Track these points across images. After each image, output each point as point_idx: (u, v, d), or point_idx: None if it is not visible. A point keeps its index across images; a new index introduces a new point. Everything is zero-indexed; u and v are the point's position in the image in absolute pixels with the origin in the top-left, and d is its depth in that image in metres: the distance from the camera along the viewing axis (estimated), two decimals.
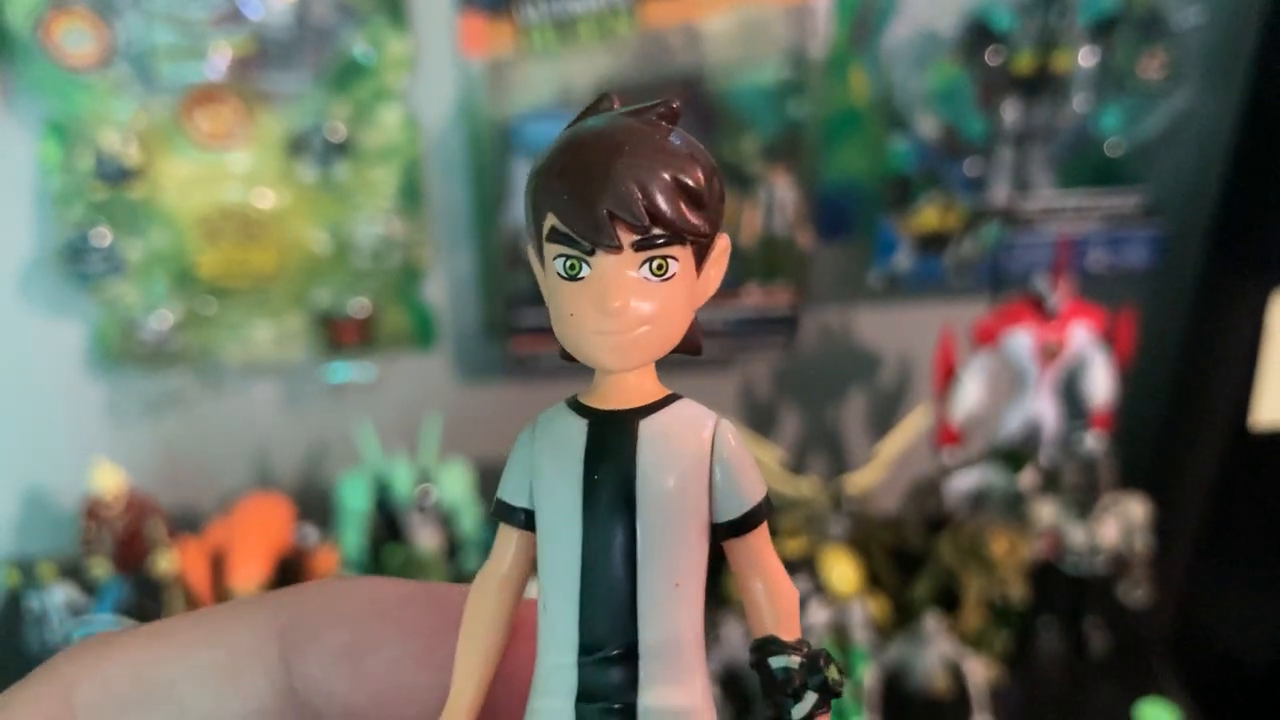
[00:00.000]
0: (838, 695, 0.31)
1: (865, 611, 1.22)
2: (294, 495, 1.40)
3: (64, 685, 0.32)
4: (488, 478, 1.32)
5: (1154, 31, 1.27)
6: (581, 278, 0.30)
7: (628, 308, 0.29)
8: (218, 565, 1.29)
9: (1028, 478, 1.29)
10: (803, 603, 1.18)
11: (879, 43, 1.28)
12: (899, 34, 1.28)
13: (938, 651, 1.20)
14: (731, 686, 1.18)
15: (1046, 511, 1.27)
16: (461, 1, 1.23)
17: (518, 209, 1.28)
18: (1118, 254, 1.37)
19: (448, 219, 1.35)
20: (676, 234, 0.29)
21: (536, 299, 0.32)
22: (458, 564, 1.31)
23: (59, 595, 1.23)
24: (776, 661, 0.31)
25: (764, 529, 0.31)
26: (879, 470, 1.32)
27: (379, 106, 1.26)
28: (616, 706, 0.30)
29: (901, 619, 1.27)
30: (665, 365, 0.31)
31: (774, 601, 0.31)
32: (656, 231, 0.29)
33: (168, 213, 1.27)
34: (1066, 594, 1.30)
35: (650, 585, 0.30)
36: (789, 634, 0.31)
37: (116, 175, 1.23)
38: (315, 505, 1.40)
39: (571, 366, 0.31)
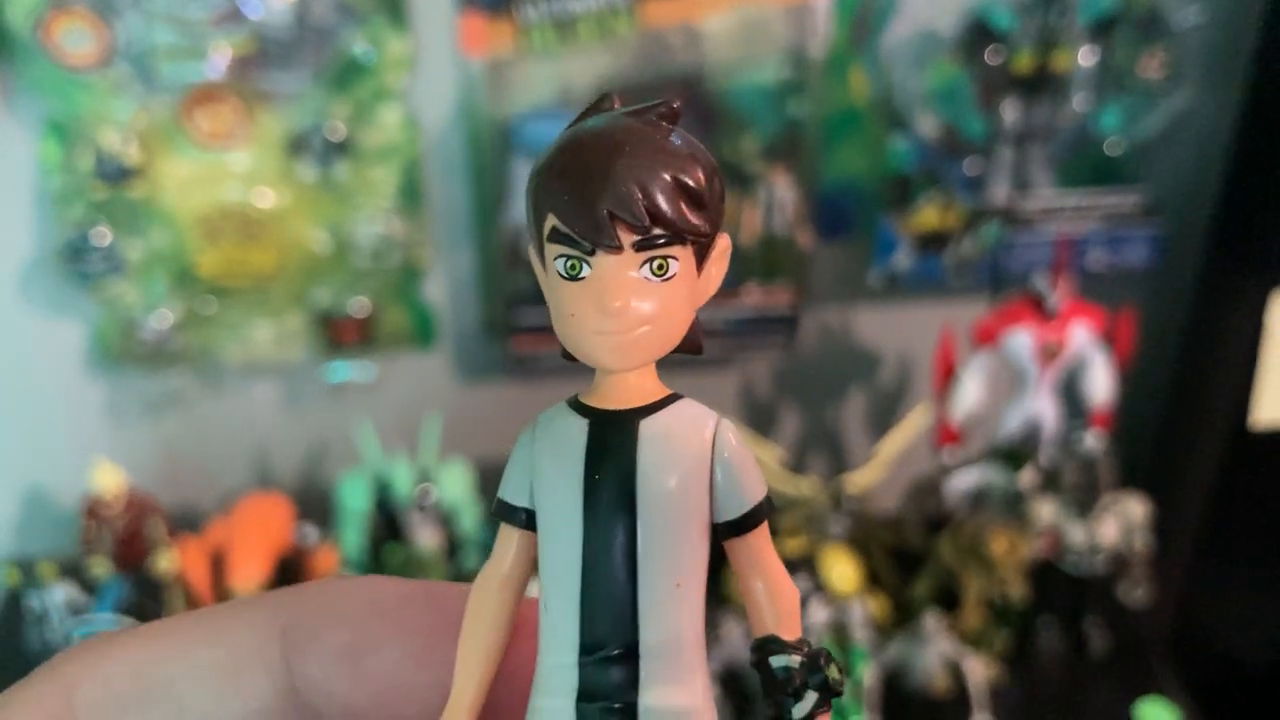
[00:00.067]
0: (838, 694, 0.31)
1: (865, 611, 1.22)
2: (294, 495, 1.40)
3: (65, 684, 0.32)
4: (488, 477, 1.32)
5: (1154, 31, 1.27)
6: (582, 278, 0.30)
7: (628, 308, 0.29)
8: (218, 565, 1.29)
9: (1027, 477, 1.29)
10: (803, 602, 1.18)
11: (879, 42, 1.28)
12: (899, 33, 1.28)
13: (937, 651, 1.20)
14: (732, 686, 1.18)
15: (1046, 511, 1.27)
16: (461, 1, 1.23)
17: (518, 209, 1.29)
18: (1117, 253, 1.37)
19: (448, 219, 1.35)
20: (677, 234, 0.29)
21: (536, 298, 0.32)
22: (458, 563, 1.31)
23: (59, 594, 1.23)
24: (777, 661, 0.31)
25: (765, 528, 0.31)
26: (879, 470, 1.32)
27: (379, 106, 1.26)
28: (617, 706, 0.30)
29: (901, 618, 1.27)
30: (665, 365, 0.31)
31: (775, 601, 0.31)
32: (657, 232, 0.29)
33: (168, 212, 1.27)
34: (1066, 593, 1.30)
35: (651, 585, 0.30)
36: (789, 633, 0.31)
37: (116, 175, 1.23)
38: (315, 505, 1.40)
39: (572, 366, 0.31)
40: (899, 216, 1.35)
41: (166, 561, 1.25)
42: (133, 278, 1.29)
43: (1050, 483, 1.29)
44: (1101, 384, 1.30)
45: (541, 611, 0.31)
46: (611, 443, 0.30)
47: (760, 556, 0.31)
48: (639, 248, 0.29)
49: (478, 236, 1.35)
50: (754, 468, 0.31)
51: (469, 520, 1.31)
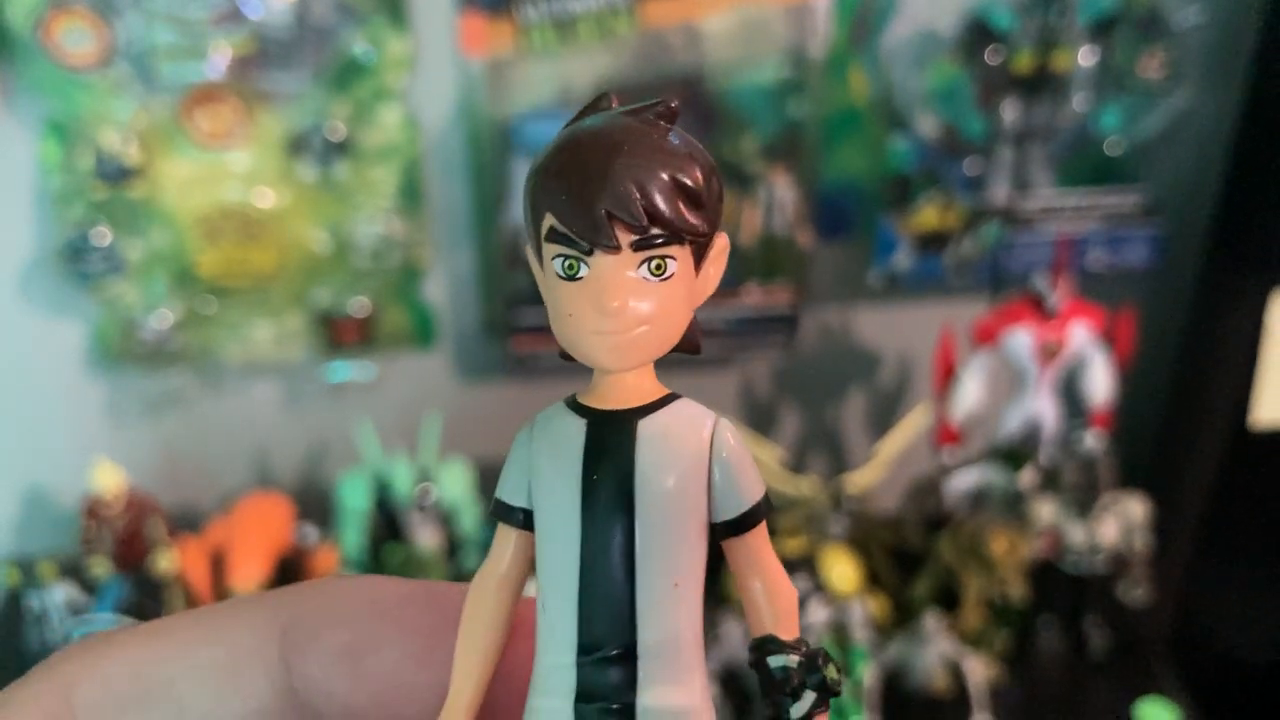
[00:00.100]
0: (836, 694, 0.31)
1: (865, 610, 1.22)
2: (294, 494, 1.40)
3: (63, 684, 0.32)
4: (488, 477, 1.32)
5: (1154, 31, 1.27)
6: (580, 278, 0.30)
7: (626, 308, 0.29)
8: (218, 564, 1.29)
9: (1027, 477, 1.29)
10: (802, 602, 1.18)
11: (879, 42, 1.28)
12: (899, 33, 1.28)
13: (937, 650, 1.20)
14: (731, 685, 1.18)
15: (1046, 510, 1.27)
16: (461, 1, 1.23)
17: (518, 209, 1.28)
18: (1117, 253, 1.37)
19: (448, 218, 1.35)
20: (675, 234, 0.29)
21: (536, 298, 0.31)
22: (458, 563, 1.31)
23: (59, 594, 1.23)
24: (775, 661, 0.31)
25: (763, 528, 0.31)
26: (879, 469, 1.32)
27: (379, 106, 1.26)
28: (615, 707, 0.30)
29: (901, 618, 1.27)
30: (665, 364, 0.31)
31: (773, 601, 0.31)
32: (655, 231, 0.29)
33: (168, 212, 1.27)
34: (1066, 593, 1.30)
35: (649, 585, 0.30)
36: (788, 633, 0.31)
37: (116, 175, 1.23)
38: (315, 504, 1.40)
39: (572, 366, 0.31)
40: (899, 216, 1.35)
41: (166, 561, 1.25)
42: (133, 278, 1.29)
43: (1050, 482, 1.29)
44: (1101, 384, 1.30)
45: (539, 611, 0.31)
46: (610, 443, 0.30)
47: (758, 556, 0.31)
48: (637, 247, 0.29)
49: (478, 236, 1.35)
50: (752, 467, 0.31)
51: (469, 520, 1.31)
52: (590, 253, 0.29)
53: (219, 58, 1.21)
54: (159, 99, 1.23)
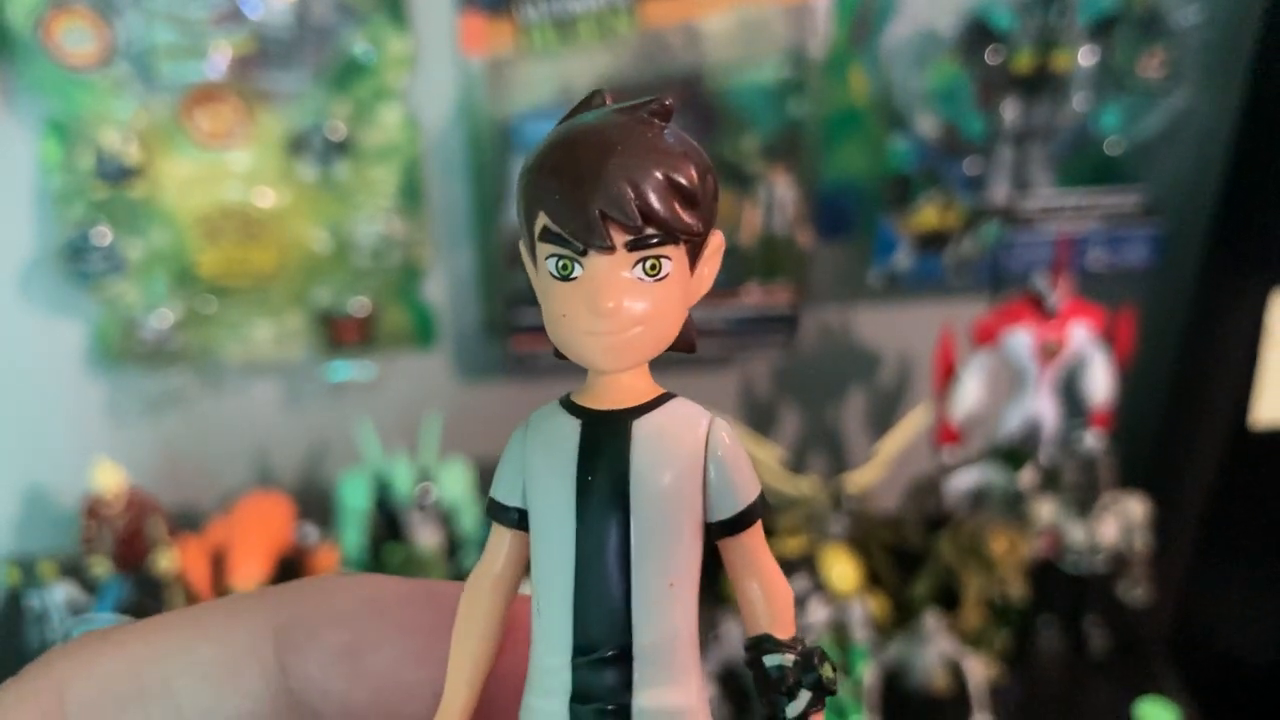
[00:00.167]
0: (832, 693, 0.31)
1: (865, 610, 1.22)
2: (294, 494, 1.40)
3: (57, 682, 0.32)
4: (487, 476, 1.31)
5: (1153, 30, 1.27)
6: (574, 278, 0.29)
7: (620, 309, 0.29)
8: (218, 564, 1.29)
9: (1027, 476, 1.29)
10: (802, 601, 1.18)
11: (879, 42, 1.28)
12: (898, 33, 1.28)
13: (937, 650, 1.20)
14: (729, 685, 1.18)
15: (1046, 510, 1.27)
16: (461, 1, 1.23)
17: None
18: (1117, 253, 1.37)
19: (447, 218, 1.35)
20: (670, 233, 0.29)
21: (536, 298, 0.31)
22: (458, 562, 1.31)
23: (59, 594, 1.24)
24: (771, 660, 0.31)
25: (758, 528, 0.31)
26: (879, 469, 1.32)
27: (379, 105, 1.26)
28: (611, 708, 0.30)
29: (901, 617, 1.27)
30: (663, 364, 0.31)
31: (769, 600, 0.31)
32: (649, 231, 0.29)
33: (168, 212, 1.28)
34: (1066, 593, 1.30)
35: (644, 586, 0.30)
36: (784, 632, 0.31)
37: (117, 174, 1.23)
38: (316, 504, 1.40)
39: (570, 365, 0.31)
40: (899, 216, 1.35)
41: (167, 561, 1.26)
42: (133, 277, 1.29)
43: (1050, 482, 1.29)
44: (1101, 383, 1.30)
45: (534, 612, 0.31)
46: (604, 443, 0.30)
47: (754, 556, 0.31)
48: (631, 248, 0.29)
49: (478, 236, 1.36)
50: (748, 467, 0.31)
51: (469, 519, 1.31)
52: (584, 253, 0.29)
53: (219, 57, 1.21)
54: (159, 98, 1.23)
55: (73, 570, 1.27)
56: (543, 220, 0.29)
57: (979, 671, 1.20)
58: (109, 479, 1.28)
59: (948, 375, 1.31)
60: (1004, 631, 1.26)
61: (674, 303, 0.30)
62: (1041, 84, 1.28)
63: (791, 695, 0.30)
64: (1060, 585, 1.29)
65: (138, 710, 0.32)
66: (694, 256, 0.30)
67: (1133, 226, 1.36)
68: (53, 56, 1.18)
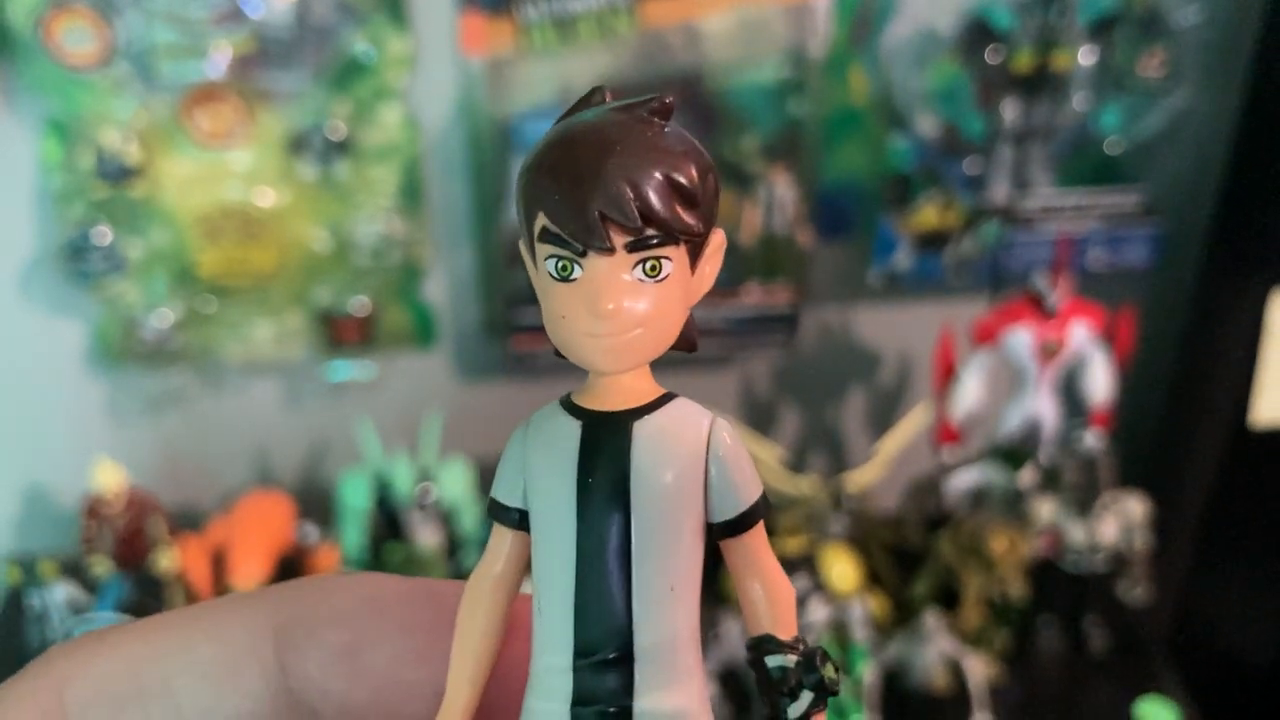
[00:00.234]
0: (834, 694, 0.31)
1: (865, 609, 1.22)
2: (295, 493, 1.40)
3: (57, 681, 0.32)
4: (488, 476, 1.31)
5: (1153, 30, 1.27)
6: (573, 279, 0.29)
7: (620, 310, 0.29)
8: (219, 563, 1.29)
9: (1027, 476, 1.29)
10: (803, 600, 1.18)
11: (878, 42, 1.28)
12: (898, 33, 1.28)
13: (937, 649, 1.20)
14: (731, 685, 1.18)
15: (1046, 509, 1.27)
16: (461, 0, 1.23)
17: None
18: (1117, 252, 1.37)
19: (448, 218, 1.35)
20: (670, 234, 0.29)
21: (536, 297, 0.31)
22: (458, 562, 1.31)
23: (60, 593, 1.24)
24: (773, 660, 0.31)
25: (761, 528, 0.31)
26: (879, 468, 1.32)
27: (379, 105, 1.26)
28: (612, 710, 0.30)
29: (901, 617, 1.27)
30: (663, 363, 0.31)
31: (771, 601, 0.31)
32: (649, 232, 0.28)
33: (168, 211, 1.28)
34: (1066, 592, 1.30)
35: (645, 588, 0.30)
36: (785, 633, 0.31)
37: (117, 174, 1.23)
38: (316, 503, 1.40)
39: (570, 364, 0.31)
40: (899, 216, 1.35)
41: (167, 560, 1.26)
42: (133, 277, 1.29)
43: (1050, 482, 1.29)
44: (1101, 383, 1.30)
45: (535, 613, 0.31)
46: (605, 445, 0.30)
47: (756, 557, 0.31)
48: (631, 249, 0.29)
49: (478, 236, 1.36)
50: (749, 467, 0.31)
51: (469, 519, 1.31)
52: (583, 254, 0.29)
53: (219, 57, 1.21)
54: (159, 98, 1.23)
55: (73, 570, 1.27)
56: (542, 221, 0.29)
57: (979, 671, 1.20)
58: (109, 478, 1.28)
59: (948, 375, 1.31)
60: (1004, 631, 1.26)
61: (675, 303, 0.30)
62: (1041, 84, 1.28)
63: (793, 696, 0.30)
64: (1060, 585, 1.29)
65: (137, 709, 0.32)
66: (695, 256, 0.30)
67: (1133, 226, 1.36)
68: (53, 56, 1.18)
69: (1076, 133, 1.32)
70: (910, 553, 1.32)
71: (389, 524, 1.30)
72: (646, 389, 0.31)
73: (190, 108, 1.23)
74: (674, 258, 0.29)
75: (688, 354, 0.32)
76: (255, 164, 1.27)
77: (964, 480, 1.32)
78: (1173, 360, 1.45)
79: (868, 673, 1.18)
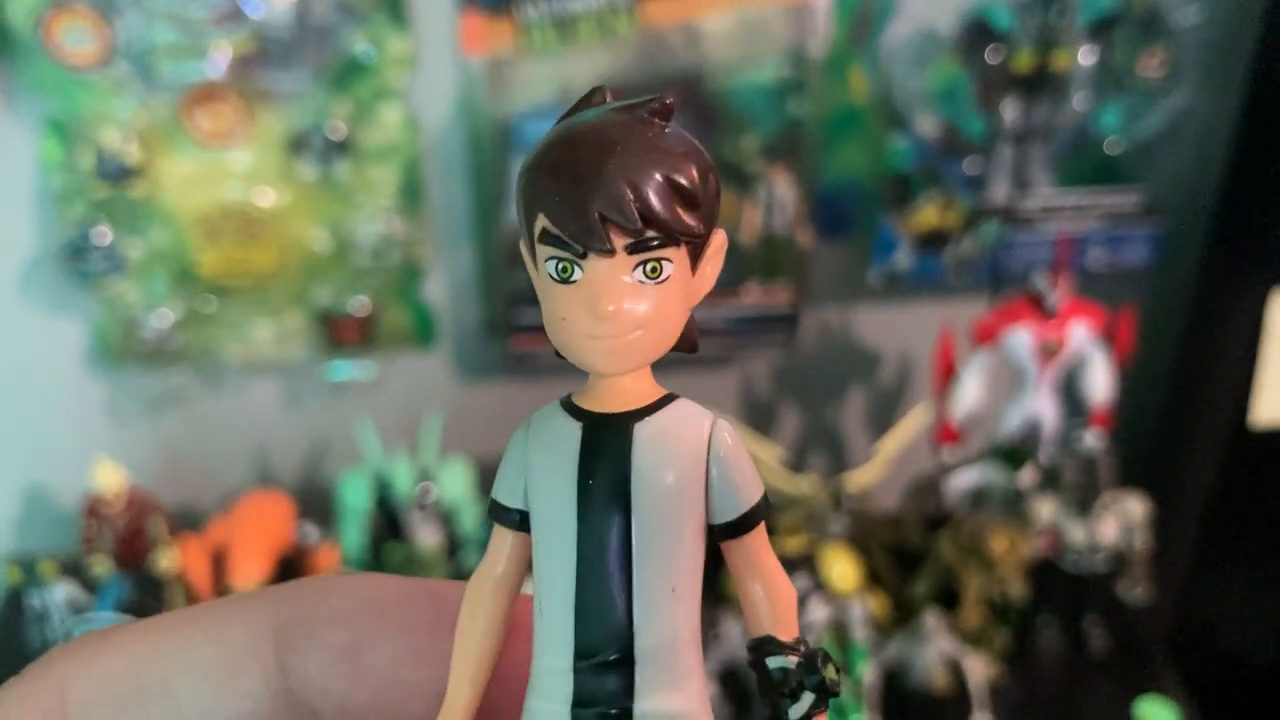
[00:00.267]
0: (835, 695, 0.31)
1: (865, 609, 1.22)
2: (295, 493, 1.40)
3: (59, 682, 0.32)
4: (488, 476, 1.32)
5: (1153, 30, 1.27)
6: (573, 281, 0.29)
7: (621, 312, 0.29)
8: (219, 563, 1.29)
9: (1027, 476, 1.29)
10: (802, 600, 1.18)
11: (879, 42, 1.28)
12: (899, 33, 1.28)
13: (937, 649, 1.20)
14: (731, 685, 1.18)
15: (1046, 509, 1.27)
16: (461, 0, 1.23)
17: None
18: (1117, 252, 1.37)
19: (448, 218, 1.35)
20: (670, 235, 0.29)
21: (536, 297, 0.31)
22: (458, 562, 1.31)
23: (60, 593, 1.24)
24: (774, 661, 0.31)
25: (762, 529, 0.31)
26: (879, 468, 1.32)
27: (379, 105, 1.26)
28: (613, 712, 0.30)
29: (901, 616, 1.27)
30: (663, 363, 0.31)
31: (772, 602, 0.31)
32: (650, 234, 0.28)
33: (168, 211, 1.28)
34: (1066, 592, 1.30)
35: (646, 589, 0.30)
36: (787, 634, 0.31)
37: (117, 174, 1.23)
38: (316, 503, 1.40)
39: (570, 364, 0.31)
40: (899, 216, 1.35)
41: (167, 560, 1.26)
42: (133, 276, 1.29)
43: (1050, 481, 1.29)
44: (1101, 383, 1.30)
45: (536, 614, 0.31)
46: (606, 446, 0.30)
47: (758, 558, 0.31)
48: (631, 250, 0.28)
49: (478, 236, 1.36)
50: (750, 468, 0.31)
51: (469, 519, 1.31)
52: (584, 256, 0.29)
53: (219, 57, 1.21)
54: (159, 98, 1.23)
55: (73, 569, 1.27)
56: (542, 222, 0.29)
57: (979, 671, 1.20)
58: (109, 478, 1.28)
59: (948, 375, 1.31)
60: (1004, 631, 1.26)
61: (675, 304, 0.30)
62: (1041, 84, 1.28)
63: (794, 697, 0.30)
64: (1060, 585, 1.29)
65: (138, 710, 0.32)
66: (696, 256, 0.30)
67: (1133, 226, 1.36)
68: (53, 56, 1.18)
69: (1076, 133, 1.32)
70: (910, 553, 1.32)
71: (389, 524, 1.30)
72: (647, 390, 0.31)
73: (190, 108, 1.23)
74: (674, 259, 0.29)
75: (688, 354, 0.32)
76: (255, 164, 1.27)
77: (964, 480, 1.32)
78: (1173, 360, 1.45)
79: (868, 673, 1.18)
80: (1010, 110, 1.29)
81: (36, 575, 1.25)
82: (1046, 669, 1.29)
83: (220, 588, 1.27)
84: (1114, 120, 1.32)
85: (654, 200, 0.28)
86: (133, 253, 1.28)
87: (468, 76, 1.27)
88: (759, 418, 1.51)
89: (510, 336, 1.34)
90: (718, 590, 1.15)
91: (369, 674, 0.33)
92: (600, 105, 0.30)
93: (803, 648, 0.31)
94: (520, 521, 0.31)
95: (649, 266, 0.29)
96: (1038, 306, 1.28)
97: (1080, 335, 1.28)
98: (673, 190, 0.28)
